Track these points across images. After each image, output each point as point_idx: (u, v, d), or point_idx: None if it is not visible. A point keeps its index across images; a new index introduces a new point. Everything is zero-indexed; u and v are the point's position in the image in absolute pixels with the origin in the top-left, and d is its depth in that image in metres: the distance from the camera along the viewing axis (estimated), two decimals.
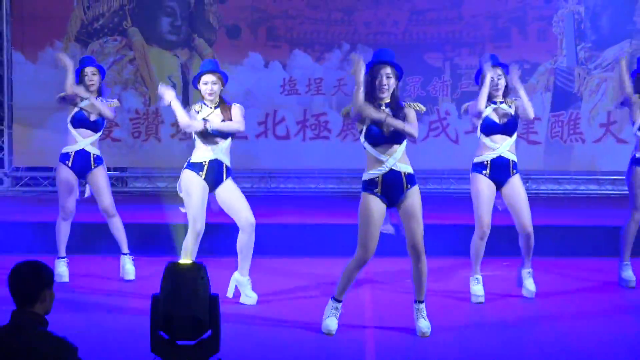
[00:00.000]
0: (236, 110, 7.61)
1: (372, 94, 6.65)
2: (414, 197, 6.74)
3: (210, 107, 7.56)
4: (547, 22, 12.53)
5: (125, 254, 8.60)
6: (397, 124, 6.61)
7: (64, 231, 8.53)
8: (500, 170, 7.68)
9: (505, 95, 7.73)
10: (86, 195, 8.61)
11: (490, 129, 7.66)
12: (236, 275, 7.74)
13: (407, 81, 12.04)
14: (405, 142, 6.71)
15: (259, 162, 12.50)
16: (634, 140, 8.42)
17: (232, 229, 7.80)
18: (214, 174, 7.57)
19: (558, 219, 10.16)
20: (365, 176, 6.71)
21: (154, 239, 9.29)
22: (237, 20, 12.64)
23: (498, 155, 7.67)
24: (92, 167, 8.52)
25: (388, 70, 6.67)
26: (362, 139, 6.71)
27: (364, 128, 6.66)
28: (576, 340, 6.76)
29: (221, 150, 7.58)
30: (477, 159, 7.77)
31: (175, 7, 12.71)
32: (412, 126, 6.65)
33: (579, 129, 12.52)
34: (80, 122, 8.47)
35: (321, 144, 12.65)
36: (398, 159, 6.67)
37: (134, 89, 12.56)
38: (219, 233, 8.55)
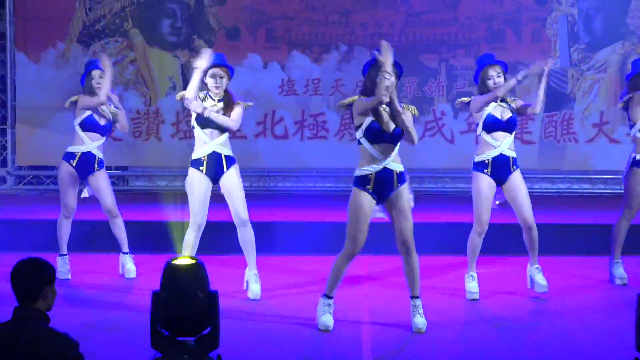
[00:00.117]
0: (237, 110, 7.61)
1: (372, 91, 6.64)
2: (403, 195, 6.75)
3: (214, 100, 7.57)
4: (541, 24, 12.54)
5: (126, 253, 8.60)
6: (409, 124, 6.60)
7: (65, 229, 8.52)
8: (501, 168, 7.64)
9: None
10: (83, 195, 8.60)
11: (493, 126, 7.61)
12: (247, 270, 7.80)
13: (404, 82, 12.04)
14: (399, 144, 6.71)
15: (257, 161, 12.49)
16: (627, 140, 8.33)
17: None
18: (214, 167, 7.58)
19: (551, 218, 10.15)
20: (358, 172, 6.70)
21: (154, 237, 9.28)
22: (237, 22, 12.64)
23: (499, 153, 7.64)
24: (95, 169, 8.52)
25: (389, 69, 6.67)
26: (359, 134, 6.68)
27: (365, 124, 6.63)
28: (570, 336, 6.76)
29: (217, 143, 7.59)
30: (478, 158, 7.71)
31: (175, 9, 12.71)
32: (414, 132, 6.66)
33: (572, 129, 12.54)
34: (91, 125, 8.45)
35: (319, 143, 12.65)
36: (392, 158, 6.68)
37: (135, 89, 12.56)
38: (228, 231, 8.52)
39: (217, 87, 7.55)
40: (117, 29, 12.65)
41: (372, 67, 6.72)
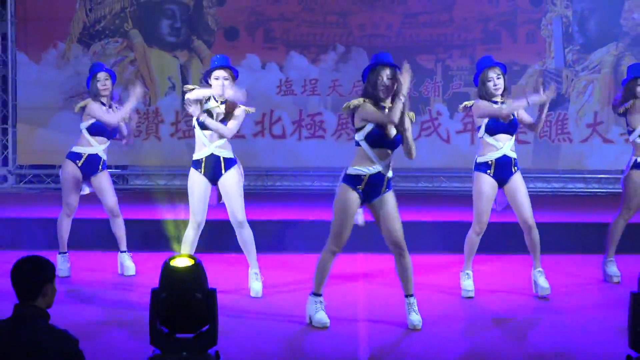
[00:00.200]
0: (237, 115, 7.62)
1: (374, 96, 6.64)
2: (391, 199, 6.78)
3: (217, 101, 7.58)
4: (536, 25, 12.54)
5: (124, 252, 8.61)
6: (411, 140, 6.63)
7: (65, 227, 8.52)
8: (504, 169, 7.62)
9: (502, 94, 7.67)
10: (83, 192, 8.59)
11: (495, 128, 7.57)
12: (249, 269, 7.83)
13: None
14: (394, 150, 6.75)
15: (255, 160, 12.48)
16: (621, 140, 8.32)
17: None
18: (212, 169, 7.60)
19: (546, 217, 10.14)
20: (352, 171, 6.70)
21: (153, 235, 9.27)
22: (235, 23, 12.63)
23: (503, 154, 7.62)
24: (99, 170, 8.53)
25: (388, 71, 6.66)
26: (359, 137, 6.68)
27: (367, 128, 6.63)
28: (564, 333, 6.77)
29: (216, 145, 7.60)
30: (480, 159, 7.67)
31: (175, 10, 12.70)
32: (413, 146, 6.67)
33: (567, 129, 12.54)
34: (99, 129, 8.45)
35: (316, 143, 12.65)
36: (387, 163, 6.69)
37: (134, 89, 12.52)
38: (229, 229, 8.51)
39: (221, 89, 7.55)
40: (117, 30, 12.64)
41: (372, 72, 6.70)
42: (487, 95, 7.60)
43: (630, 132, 8.22)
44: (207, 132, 7.55)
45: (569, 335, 6.71)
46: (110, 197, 8.52)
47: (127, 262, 8.58)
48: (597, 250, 9.07)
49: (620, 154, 12.41)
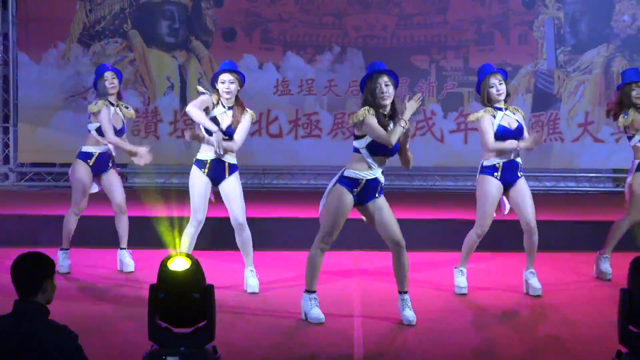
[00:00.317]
0: (244, 124, 7.61)
1: (374, 103, 6.64)
2: (385, 203, 6.82)
3: (224, 107, 7.55)
4: (528, 27, 12.55)
5: (124, 249, 8.60)
6: (411, 155, 6.75)
7: (72, 225, 8.50)
8: (510, 173, 7.58)
9: (505, 100, 7.64)
10: (91, 190, 8.58)
11: (504, 134, 7.54)
12: (245, 268, 7.84)
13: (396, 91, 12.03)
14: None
15: (253, 159, 12.46)
16: (612, 140, 8.30)
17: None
18: (216, 172, 7.62)
19: (538, 215, 10.13)
20: (351, 174, 6.70)
21: (151, 232, 9.25)
22: (233, 24, 12.62)
23: (510, 159, 7.62)
24: (109, 167, 8.53)
25: (385, 78, 6.67)
26: (360, 144, 6.68)
27: (369, 138, 6.62)
28: (555, 330, 6.77)
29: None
30: (487, 162, 7.61)
31: (173, 11, 12.69)
32: (410, 155, 6.76)
33: (558, 128, 12.54)
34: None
35: (312, 142, 12.64)
36: (382, 169, 6.75)
37: (133, 89, 12.52)
38: (228, 227, 8.50)
39: (227, 92, 7.53)
40: (116, 30, 12.63)
41: (369, 81, 6.71)
42: (490, 102, 7.58)
43: (630, 138, 8.21)
44: (212, 138, 7.54)
45: (560, 332, 6.71)
46: (119, 194, 8.53)
47: (127, 259, 8.57)
48: (588, 248, 9.08)
49: (610, 154, 12.43)
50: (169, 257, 4.50)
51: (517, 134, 7.58)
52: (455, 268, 7.85)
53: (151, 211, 9.19)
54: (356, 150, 6.72)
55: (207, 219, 7.70)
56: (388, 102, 6.66)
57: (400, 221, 6.88)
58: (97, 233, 9.33)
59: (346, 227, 9.07)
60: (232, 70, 7.58)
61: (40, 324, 4.10)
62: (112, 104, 8.44)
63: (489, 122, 7.55)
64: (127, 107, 8.64)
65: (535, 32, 12.54)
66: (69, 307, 6.89)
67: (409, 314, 6.75)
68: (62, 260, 8.42)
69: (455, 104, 12.58)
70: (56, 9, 12.58)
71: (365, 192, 6.72)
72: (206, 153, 7.60)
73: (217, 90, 7.56)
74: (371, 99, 6.67)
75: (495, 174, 7.58)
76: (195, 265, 4.51)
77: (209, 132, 7.50)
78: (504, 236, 8.80)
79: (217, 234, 8.90)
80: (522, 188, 7.64)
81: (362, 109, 6.65)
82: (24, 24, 12.65)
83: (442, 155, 12.56)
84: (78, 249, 8.77)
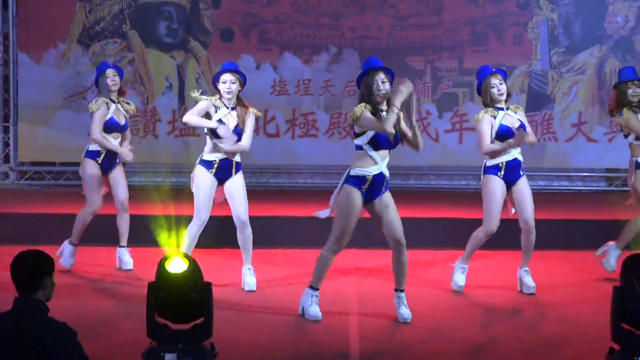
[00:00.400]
0: (249, 124, 7.66)
1: (370, 100, 6.64)
2: (391, 199, 6.81)
3: (228, 108, 7.55)
4: (522, 28, 12.55)
5: (123, 247, 8.59)
6: (418, 131, 6.70)
7: (86, 222, 8.46)
8: (513, 171, 7.58)
9: (506, 99, 7.64)
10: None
11: (506, 134, 7.53)
12: (243, 266, 7.83)
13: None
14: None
15: (250, 158, 12.36)
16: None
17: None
18: (224, 171, 7.64)
19: None
20: (356, 172, 6.68)
21: (150, 230, 9.25)
22: (231, 24, 12.62)
23: (513, 157, 7.60)
24: (116, 164, 8.53)
25: (382, 75, 6.67)
26: (361, 141, 6.67)
27: (369, 133, 6.61)
28: (548, 326, 6.78)
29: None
30: (490, 162, 7.61)
31: (172, 12, 12.68)
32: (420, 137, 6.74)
33: (552, 128, 12.55)
34: (113, 127, 8.43)
35: (309, 141, 12.64)
36: (386, 163, 6.72)
37: (132, 89, 12.50)
38: (227, 225, 8.51)
39: (228, 92, 7.54)
40: (115, 31, 12.62)
41: (365, 78, 6.71)
42: (492, 102, 7.57)
43: (626, 136, 8.22)
44: (225, 140, 7.55)
45: (553, 329, 6.72)
46: (123, 191, 8.54)
47: (126, 257, 8.57)
48: (580, 246, 9.09)
49: (603, 153, 12.44)
50: (166, 258, 4.49)
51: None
52: (456, 264, 7.82)
53: (149, 209, 9.18)
54: (359, 147, 6.70)
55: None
56: (383, 99, 6.65)
57: None
58: (96, 231, 9.29)
59: None
60: (234, 70, 7.58)
61: (39, 321, 4.09)
62: (114, 101, 8.43)
63: (488, 123, 7.55)
64: (128, 103, 8.63)
65: (529, 33, 12.55)
66: (69, 304, 6.88)
67: (405, 311, 6.75)
68: (69, 256, 8.39)
69: (450, 104, 12.59)
70: (56, 9, 12.57)
71: (372, 187, 6.69)
72: (214, 154, 7.61)
73: (218, 90, 7.56)
74: (367, 95, 6.66)
75: (499, 173, 7.58)
76: (193, 266, 4.51)
77: (217, 135, 7.50)
78: (499, 234, 8.78)
79: (215, 233, 8.88)
80: (524, 187, 7.65)
81: (358, 105, 6.66)
82: (25, 24, 12.64)
83: (437, 155, 12.56)
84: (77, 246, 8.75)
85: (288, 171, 12.93)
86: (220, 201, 7.79)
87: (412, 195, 11.98)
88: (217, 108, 7.54)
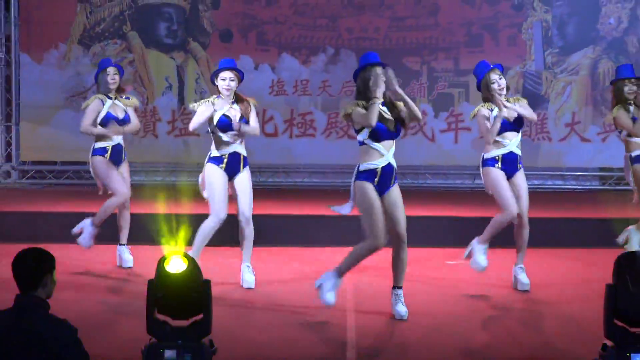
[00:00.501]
0: (253, 113, 7.69)
1: (366, 95, 6.63)
2: (398, 190, 6.79)
3: (228, 103, 7.58)
4: (517, 29, 12.55)
5: (123, 245, 8.58)
6: (412, 104, 6.63)
7: (111, 211, 8.43)
8: (509, 164, 7.58)
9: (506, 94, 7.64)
10: (102, 192, 8.56)
11: (502, 127, 7.53)
12: (242, 263, 7.83)
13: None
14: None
15: (249, 157, 12.24)
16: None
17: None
18: (233, 165, 7.67)
19: None
20: (365, 167, 6.67)
21: (150, 229, 9.24)
22: (230, 26, 12.61)
23: (509, 150, 7.59)
24: (123, 160, 8.53)
25: (379, 70, 6.66)
26: (362, 136, 6.66)
27: (367, 129, 6.62)
28: (543, 323, 6.78)
29: (238, 143, 7.68)
30: (487, 155, 7.63)
31: (171, 13, 12.67)
32: (416, 108, 6.67)
33: (546, 128, 12.55)
34: (110, 121, 8.41)
35: (307, 141, 12.64)
36: (392, 154, 6.71)
37: (133, 89, 12.50)
38: (226, 224, 8.50)
39: (227, 89, 7.56)
40: (116, 32, 12.61)
41: (362, 72, 6.71)
42: (492, 97, 7.56)
43: (620, 132, 8.26)
44: (230, 132, 7.56)
45: (548, 325, 6.72)
46: (127, 187, 8.50)
47: (126, 255, 8.56)
48: (574, 244, 9.09)
49: (597, 153, 12.45)
50: (166, 257, 4.49)
51: (515, 126, 7.58)
52: (474, 245, 7.66)
53: (149, 208, 9.18)
54: (361, 143, 6.70)
55: (205, 216, 7.67)
56: (379, 93, 6.65)
57: None
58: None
59: (340, 224, 9.11)
60: (233, 68, 7.61)
61: (40, 318, 4.09)
62: (110, 97, 8.43)
63: (483, 116, 7.54)
64: (127, 98, 8.61)
65: (523, 34, 12.55)
66: (69, 301, 6.87)
67: (401, 308, 6.74)
68: (89, 237, 8.37)
69: (446, 104, 12.59)
70: (57, 11, 12.56)
71: (383, 179, 6.67)
72: (222, 148, 7.62)
73: (217, 86, 7.60)
74: (363, 90, 6.66)
75: (497, 165, 7.58)
76: (192, 265, 4.50)
77: (223, 130, 7.51)
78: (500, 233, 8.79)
79: (215, 231, 8.87)
80: (520, 182, 7.66)
81: (349, 103, 6.68)
82: (26, 25, 12.64)
83: (433, 154, 12.57)
84: (76, 244, 8.73)
85: (286, 170, 12.93)
86: (229, 195, 7.78)
87: (408, 194, 11.89)
88: (217, 106, 7.57)
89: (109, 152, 8.43)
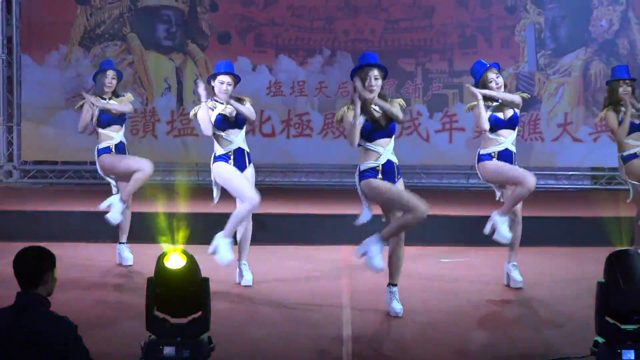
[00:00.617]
0: (249, 104, 7.67)
1: (360, 95, 6.63)
2: (403, 185, 6.80)
3: (223, 104, 7.59)
4: (510, 31, 12.55)
5: (123, 243, 8.58)
6: (389, 107, 6.62)
7: (140, 185, 8.42)
8: (505, 160, 7.54)
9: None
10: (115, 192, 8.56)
11: (496, 125, 7.52)
12: (239, 261, 7.81)
13: (383, 84, 11.99)
14: (394, 137, 6.71)
15: None
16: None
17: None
18: (240, 161, 7.66)
19: None
20: (365, 165, 6.68)
21: (149, 227, 9.23)
22: (228, 28, 12.60)
23: (504, 148, 7.57)
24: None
25: (376, 72, 6.67)
26: None
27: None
28: (536, 320, 6.78)
29: (241, 138, 7.67)
30: (483, 151, 7.61)
31: (170, 15, 12.66)
32: (397, 110, 6.64)
33: (539, 128, 12.56)
34: (108, 120, 8.42)
35: (304, 141, 12.63)
36: (391, 151, 6.68)
37: (132, 90, 12.45)
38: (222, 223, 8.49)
39: (224, 92, 7.56)
40: (116, 34, 12.60)
41: (359, 71, 6.73)
42: (492, 96, 7.53)
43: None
44: (229, 131, 7.57)
45: (541, 322, 6.71)
46: (144, 163, 8.49)
47: (126, 253, 8.55)
48: (566, 243, 9.09)
49: (588, 153, 12.47)
50: (165, 254, 4.49)
51: (509, 123, 7.56)
52: (495, 218, 7.55)
53: (148, 207, 9.17)
54: (358, 145, 6.69)
55: (204, 215, 7.68)
56: (375, 94, 6.64)
57: None
58: (96, 228, 9.29)
59: (337, 223, 9.10)
60: (230, 72, 7.61)
61: (40, 315, 4.08)
62: (104, 99, 8.43)
63: (477, 108, 7.51)
64: (123, 95, 8.60)
65: (516, 36, 12.55)
66: (70, 299, 6.87)
67: (397, 306, 6.74)
68: (118, 212, 8.37)
69: (441, 104, 12.59)
70: (58, 13, 12.55)
71: (386, 176, 6.67)
72: (226, 146, 7.61)
73: (212, 87, 7.60)
74: (359, 87, 6.65)
75: (493, 159, 7.55)
76: (191, 261, 4.50)
77: (222, 128, 7.52)
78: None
79: (213, 230, 8.86)
80: None
81: (342, 109, 6.67)
82: (27, 27, 12.62)
83: (428, 154, 12.57)
84: (77, 243, 8.75)
85: (283, 170, 12.92)
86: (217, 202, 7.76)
87: None
88: (214, 107, 7.56)
89: (112, 151, 8.44)
